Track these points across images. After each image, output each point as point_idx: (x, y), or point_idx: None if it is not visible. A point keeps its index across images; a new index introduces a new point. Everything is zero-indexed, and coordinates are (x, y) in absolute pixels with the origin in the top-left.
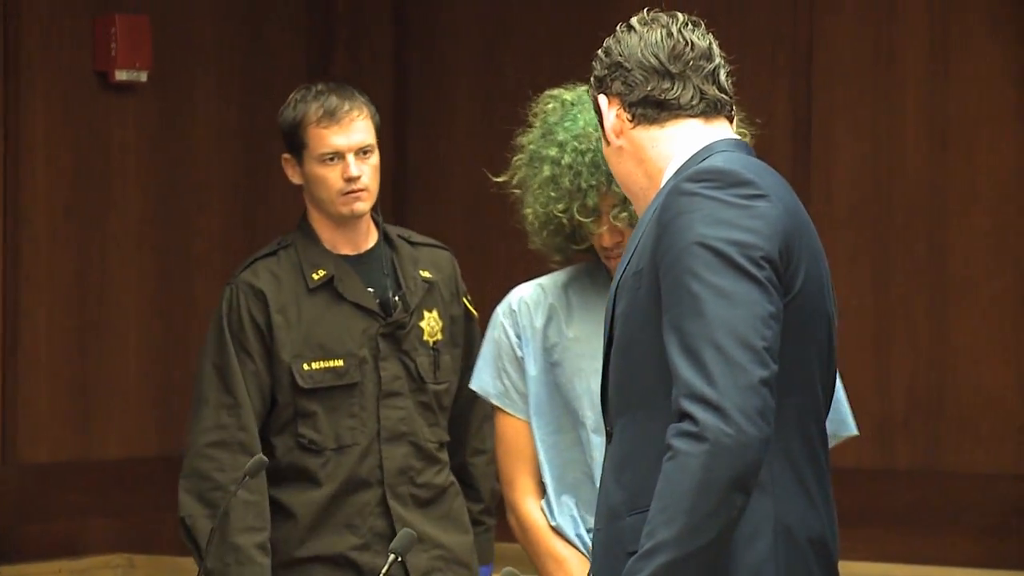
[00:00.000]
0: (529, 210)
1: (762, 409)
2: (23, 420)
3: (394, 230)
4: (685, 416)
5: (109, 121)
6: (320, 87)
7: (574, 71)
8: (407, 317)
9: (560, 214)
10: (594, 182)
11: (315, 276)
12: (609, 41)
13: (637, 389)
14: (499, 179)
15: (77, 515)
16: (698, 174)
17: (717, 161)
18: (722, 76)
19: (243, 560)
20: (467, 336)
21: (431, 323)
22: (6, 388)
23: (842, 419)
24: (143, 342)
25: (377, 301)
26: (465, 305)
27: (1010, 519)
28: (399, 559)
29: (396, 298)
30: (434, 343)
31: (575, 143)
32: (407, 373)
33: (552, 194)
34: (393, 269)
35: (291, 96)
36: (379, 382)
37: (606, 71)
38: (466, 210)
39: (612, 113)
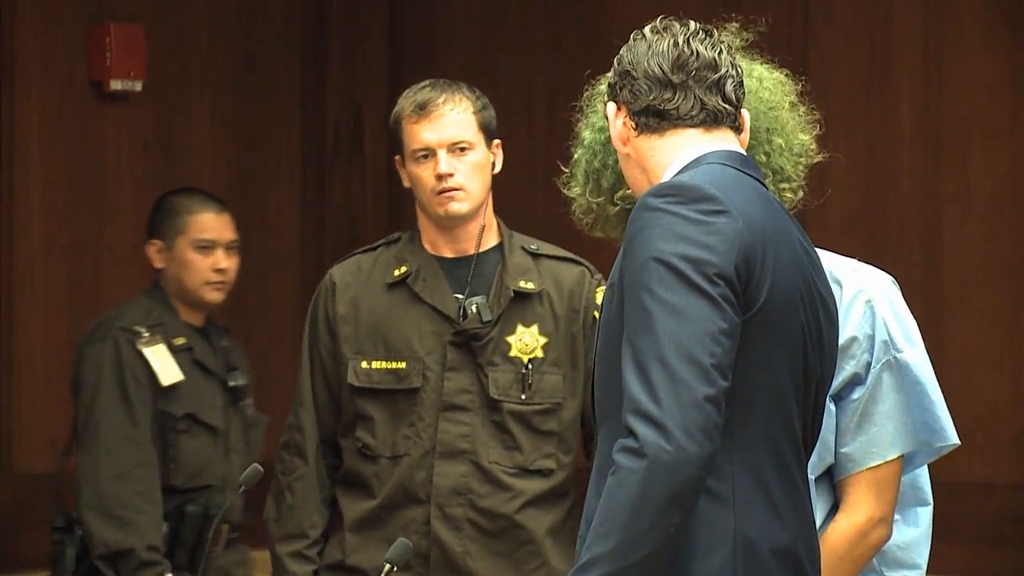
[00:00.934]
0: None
1: (704, 426)
2: (18, 430)
3: (519, 239)
4: (629, 432)
5: (104, 130)
6: (425, 83)
7: (568, 83)
8: (484, 328)
9: (592, 199)
10: (610, 161)
11: (396, 272)
12: (623, 49)
13: (611, 398)
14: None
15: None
16: (662, 189)
17: (686, 176)
18: (728, 87)
19: (279, 568)
20: None
21: (525, 338)
22: (1, 397)
23: (940, 428)
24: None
25: (459, 307)
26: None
27: (1004, 529)
28: (394, 568)
29: (474, 308)
30: (529, 360)
31: (603, 123)
32: (479, 388)
33: (580, 177)
34: (489, 276)
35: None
36: (441, 392)
37: (616, 79)
38: None
39: (619, 121)
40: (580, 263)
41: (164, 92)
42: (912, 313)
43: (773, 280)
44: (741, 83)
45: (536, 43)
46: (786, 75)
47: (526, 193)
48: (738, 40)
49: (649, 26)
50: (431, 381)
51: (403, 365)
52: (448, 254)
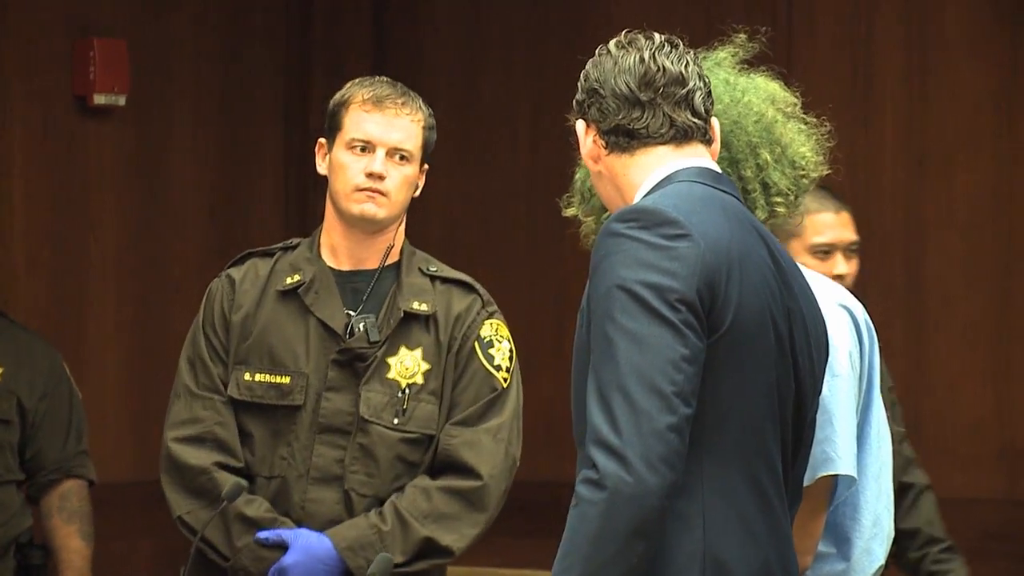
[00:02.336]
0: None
1: (666, 455)
2: None
3: (420, 258)
4: (591, 463)
5: (87, 144)
6: (382, 78)
7: (550, 99)
8: (370, 348)
9: (584, 217)
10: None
11: (288, 280)
12: (588, 65)
13: (582, 424)
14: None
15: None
16: (625, 214)
17: (653, 198)
18: (696, 100)
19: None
20: (474, 396)
21: (407, 361)
22: None
23: (833, 457)
24: (121, 366)
25: (347, 324)
26: (479, 358)
27: (989, 544)
28: None
29: (362, 326)
30: (407, 384)
31: None
32: (357, 410)
33: (576, 197)
34: (382, 295)
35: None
36: (319, 413)
37: (584, 96)
38: (443, 236)
39: (589, 140)
40: (474, 290)
41: (147, 106)
42: (895, 328)
43: (740, 301)
44: (709, 93)
45: (519, 64)
46: (783, 86)
47: (509, 210)
48: (741, 52)
49: (614, 41)
50: (311, 400)
51: (287, 380)
52: (346, 266)
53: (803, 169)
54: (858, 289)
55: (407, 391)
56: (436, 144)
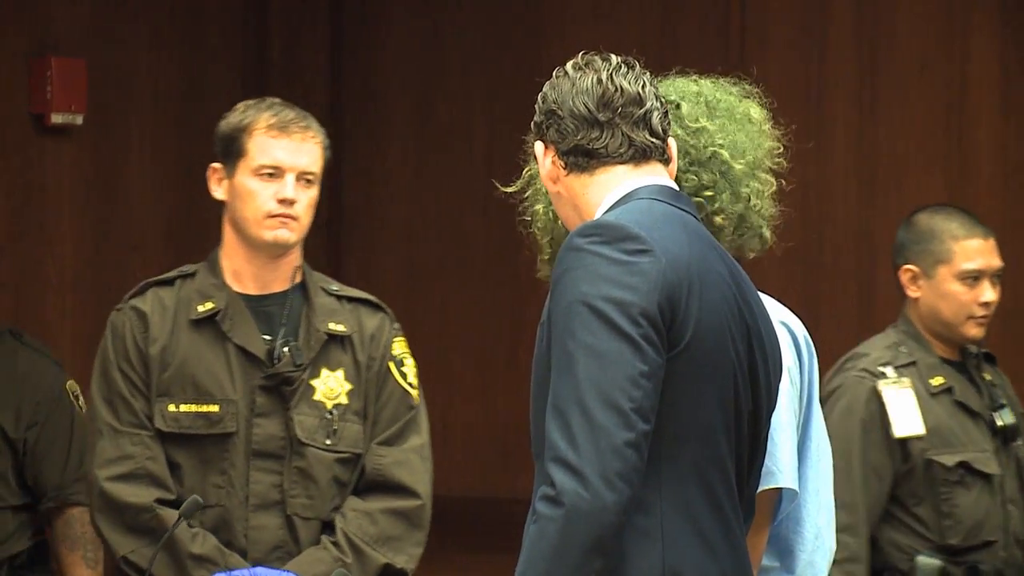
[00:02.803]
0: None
1: (623, 471)
2: None
3: (318, 278)
4: (550, 479)
5: (44, 163)
6: (276, 100)
7: (505, 121)
8: (296, 372)
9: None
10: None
11: (200, 308)
12: (546, 87)
13: (540, 438)
14: None
15: None
16: (586, 228)
17: (613, 214)
18: (654, 120)
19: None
20: (393, 414)
21: (330, 382)
22: None
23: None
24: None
25: (267, 349)
26: (394, 376)
27: None
28: None
29: (286, 349)
30: (333, 407)
31: None
32: (288, 433)
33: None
34: (296, 317)
35: (239, 104)
36: (251, 439)
37: (542, 118)
38: (402, 252)
39: (548, 160)
40: (381, 308)
41: (105, 125)
42: (846, 344)
43: (699, 317)
44: (667, 114)
45: (475, 87)
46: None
47: (466, 227)
48: (736, 88)
49: (571, 62)
50: (242, 426)
51: (216, 408)
52: (253, 291)
53: (775, 197)
54: (812, 305)
55: (334, 412)
56: (396, 163)
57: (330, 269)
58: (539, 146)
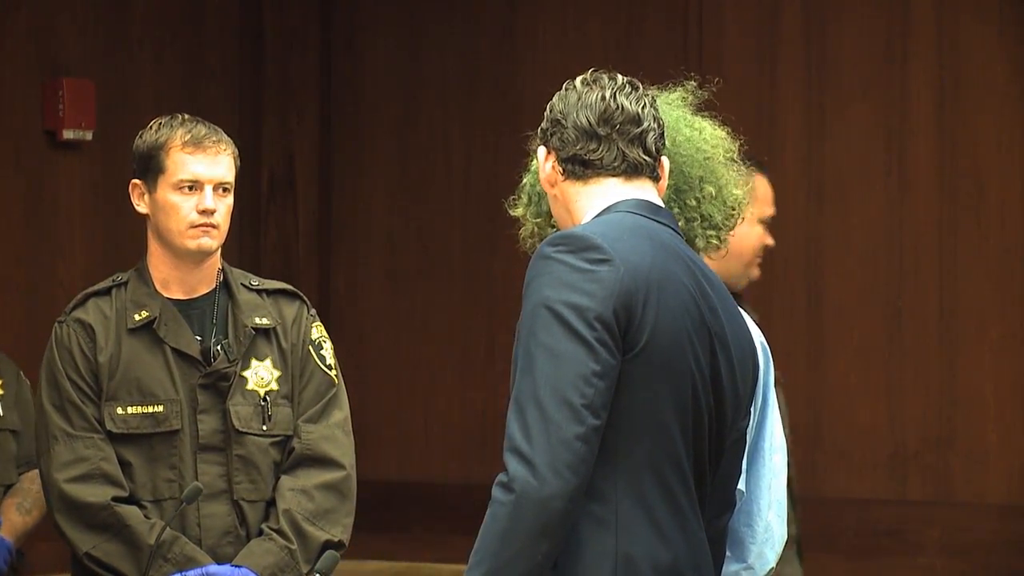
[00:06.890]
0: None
1: (571, 463)
2: None
3: (238, 275)
4: (504, 467)
5: (57, 175)
6: (186, 116)
7: (481, 135)
8: (230, 368)
9: (532, 219)
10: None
11: (137, 317)
12: (555, 97)
13: None
14: None
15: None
16: (555, 239)
17: (593, 223)
18: (649, 139)
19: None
20: (315, 394)
21: (260, 371)
22: None
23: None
24: None
25: (202, 349)
26: (313, 359)
27: (881, 540)
28: None
29: (219, 348)
30: (265, 394)
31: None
32: (227, 425)
33: (524, 199)
34: (224, 316)
35: (152, 123)
36: (196, 435)
37: (548, 125)
38: (385, 257)
39: (548, 165)
40: (298, 296)
41: (112, 140)
42: (797, 343)
43: (656, 323)
44: (662, 135)
45: (453, 103)
46: (728, 133)
47: (444, 233)
48: (691, 97)
49: (580, 77)
50: (186, 423)
51: (161, 408)
52: (180, 295)
53: (733, 208)
54: (765, 312)
55: (267, 399)
56: (378, 174)
57: (320, 274)
58: (542, 151)
